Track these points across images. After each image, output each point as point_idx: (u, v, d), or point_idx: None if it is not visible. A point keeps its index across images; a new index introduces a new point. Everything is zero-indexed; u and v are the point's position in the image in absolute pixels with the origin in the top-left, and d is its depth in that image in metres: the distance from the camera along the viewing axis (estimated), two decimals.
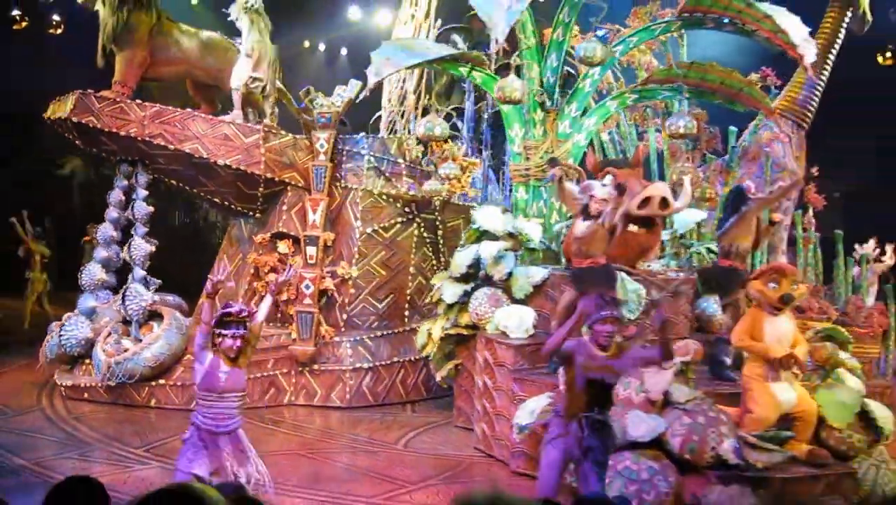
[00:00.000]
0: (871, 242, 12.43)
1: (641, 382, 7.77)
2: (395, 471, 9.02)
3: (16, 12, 18.94)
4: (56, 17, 18.88)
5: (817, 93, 13.02)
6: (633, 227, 8.86)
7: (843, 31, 12.86)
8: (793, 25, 8.85)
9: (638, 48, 11.92)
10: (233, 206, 12.44)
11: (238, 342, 6.44)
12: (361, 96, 10.58)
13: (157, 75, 12.70)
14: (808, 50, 8.55)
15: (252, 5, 12.17)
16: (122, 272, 12.29)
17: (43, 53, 19.18)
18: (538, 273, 9.90)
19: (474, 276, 10.24)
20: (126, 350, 11.07)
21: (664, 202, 8.63)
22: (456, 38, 14.24)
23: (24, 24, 18.99)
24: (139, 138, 11.54)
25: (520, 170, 10.63)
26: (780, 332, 7.77)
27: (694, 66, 10.26)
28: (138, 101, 11.80)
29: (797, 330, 7.96)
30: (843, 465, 7.97)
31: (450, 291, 10.24)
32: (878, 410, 8.14)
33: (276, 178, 11.92)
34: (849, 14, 12.74)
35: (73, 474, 3.43)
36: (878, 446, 8.11)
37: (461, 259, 10.20)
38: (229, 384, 6.41)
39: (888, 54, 17.96)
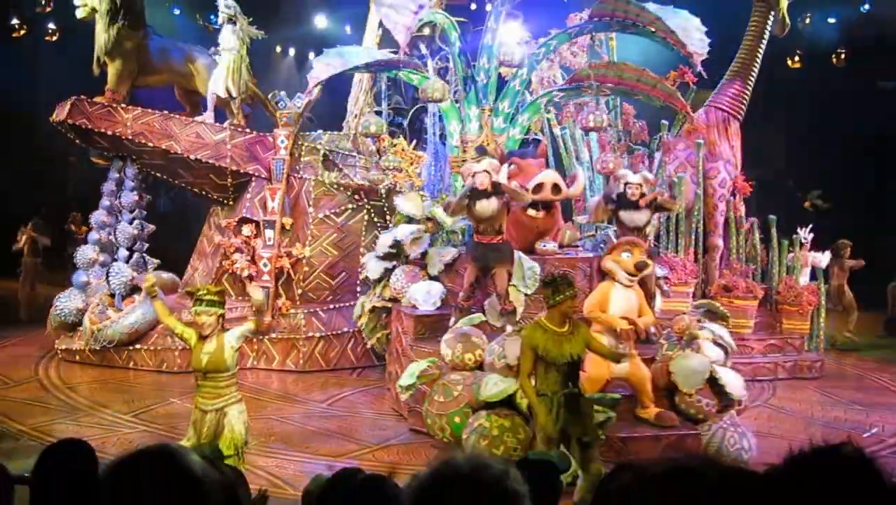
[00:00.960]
0: (804, 231, 13.22)
1: (502, 348, 8.34)
2: (353, 432, 9.62)
3: (14, 21, 19.73)
4: (52, 26, 19.71)
5: (749, 87, 13.65)
6: (531, 211, 9.52)
7: (767, 32, 13.54)
8: (681, 26, 9.30)
9: (572, 52, 12.70)
10: (209, 195, 13.71)
11: (208, 320, 6.56)
12: (305, 99, 12.00)
13: (145, 83, 14.22)
14: (695, 49, 8.99)
15: (231, 17, 13.39)
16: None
17: (40, 57, 20.07)
18: (449, 252, 10.67)
19: (397, 255, 11.07)
20: (108, 319, 12.42)
21: (556, 188, 9.24)
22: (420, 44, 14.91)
23: (22, 32, 19.70)
24: (124, 137, 12.85)
25: (457, 161, 11.07)
26: (628, 304, 8.32)
27: (610, 66, 10.77)
28: (124, 105, 13.15)
29: (643, 302, 8.50)
30: (688, 427, 8.41)
31: (373, 268, 11.13)
32: (727, 377, 8.41)
33: (242, 171, 13.08)
34: (770, 18, 13.42)
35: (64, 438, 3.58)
36: (729, 411, 8.33)
37: (383, 240, 11.04)
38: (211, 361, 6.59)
39: (797, 58, 19.41)
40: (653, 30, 9.80)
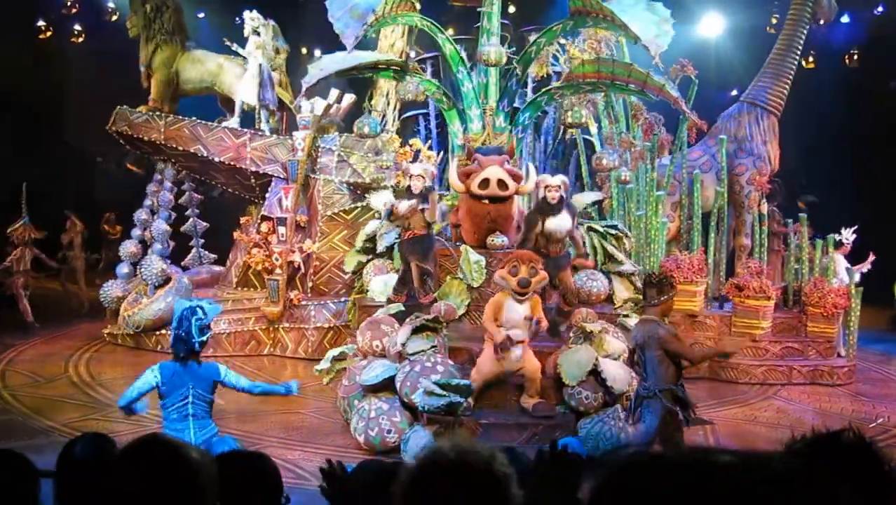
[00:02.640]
0: (847, 231, 12.90)
1: (398, 335, 8.72)
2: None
3: (41, 23, 20.05)
4: (77, 27, 20.10)
5: (787, 81, 13.37)
6: (486, 203, 9.50)
7: (805, 23, 13.36)
8: (636, 20, 9.14)
9: (571, 51, 12.67)
10: (241, 194, 14.82)
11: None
12: (299, 101, 12.53)
13: (184, 92, 15.38)
14: (652, 41, 8.85)
15: (255, 28, 14.23)
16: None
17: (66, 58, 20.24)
18: (392, 236, 10.84)
19: (373, 249, 11.43)
20: (138, 305, 13.54)
21: (501, 183, 9.16)
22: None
23: (48, 33, 19.84)
24: (158, 142, 13.98)
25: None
26: (517, 316, 8.27)
27: (602, 62, 10.68)
28: (160, 112, 14.29)
29: (540, 312, 8.37)
30: (563, 418, 8.46)
31: (350, 262, 11.45)
32: (611, 371, 8.37)
33: (261, 172, 13.82)
34: (810, 6, 13.27)
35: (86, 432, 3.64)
36: (614, 406, 8.37)
37: (360, 235, 11.39)
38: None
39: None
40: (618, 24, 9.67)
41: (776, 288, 12.44)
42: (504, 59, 10.24)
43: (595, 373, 8.30)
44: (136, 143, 14.61)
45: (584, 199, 11.51)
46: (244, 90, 14.21)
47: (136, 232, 14.85)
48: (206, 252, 15.64)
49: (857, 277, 12.59)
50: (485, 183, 9.16)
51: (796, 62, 13.49)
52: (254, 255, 12.95)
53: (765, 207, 13.32)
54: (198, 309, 6.44)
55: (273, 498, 3.04)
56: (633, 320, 9.21)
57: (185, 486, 2.18)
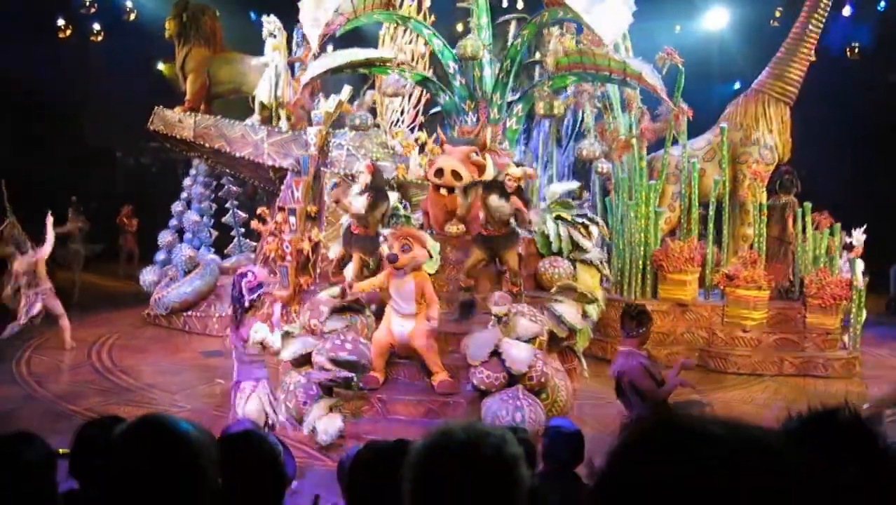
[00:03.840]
0: (857, 232, 12.64)
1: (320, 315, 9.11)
2: None
3: (60, 21, 20.47)
4: (97, 26, 20.54)
5: (798, 69, 13.07)
6: (443, 192, 9.48)
7: (823, 9, 13.07)
8: (596, 5, 9.15)
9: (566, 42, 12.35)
10: (265, 186, 15.57)
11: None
12: (296, 96, 13.16)
13: (217, 92, 16.13)
14: (602, 29, 8.94)
15: (272, 31, 14.75)
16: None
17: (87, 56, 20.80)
18: (345, 223, 10.77)
19: None
20: (168, 289, 14.72)
21: (455, 173, 9.16)
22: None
23: (68, 31, 20.22)
24: (189, 140, 14.70)
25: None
26: (403, 290, 8.39)
27: (584, 52, 10.64)
28: (189, 111, 14.99)
29: (427, 289, 8.45)
30: (465, 396, 8.46)
31: (334, 250, 11.35)
32: (512, 353, 8.32)
33: (278, 166, 14.28)
34: None
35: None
36: (515, 386, 8.25)
37: (341, 223, 11.35)
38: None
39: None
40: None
41: (770, 278, 12.31)
42: (482, 53, 10.42)
43: (497, 354, 8.33)
44: (171, 140, 15.24)
45: (557, 189, 11.46)
46: (260, 90, 14.75)
47: (172, 222, 16.24)
48: (248, 241, 16.48)
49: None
50: (439, 172, 9.24)
51: (811, 50, 13.13)
52: (269, 242, 13.37)
53: (763, 196, 13.08)
54: (248, 273, 7.39)
55: (277, 478, 3.03)
56: (561, 306, 9.24)
57: (184, 466, 2.15)
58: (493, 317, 8.64)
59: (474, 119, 11.00)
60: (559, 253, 10.40)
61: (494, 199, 9.05)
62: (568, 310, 9.24)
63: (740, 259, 12.46)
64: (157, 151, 23.37)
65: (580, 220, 10.62)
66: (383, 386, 8.59)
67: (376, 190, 9.65)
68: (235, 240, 16.49)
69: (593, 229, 10.62)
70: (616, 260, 13.18)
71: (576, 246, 10.43)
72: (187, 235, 15.96)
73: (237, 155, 14.46)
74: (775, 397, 10.34)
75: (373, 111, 14.44)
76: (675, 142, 13.29)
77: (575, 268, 10.44)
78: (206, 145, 14.79)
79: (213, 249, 16.04)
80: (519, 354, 8.29)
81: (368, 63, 11.20)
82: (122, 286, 18.82)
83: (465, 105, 11.02)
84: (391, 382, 8.71)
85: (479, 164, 9.31)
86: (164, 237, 16.11)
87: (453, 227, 9.84)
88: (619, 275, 13.10)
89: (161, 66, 21.88)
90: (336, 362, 8.14)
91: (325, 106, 13.58)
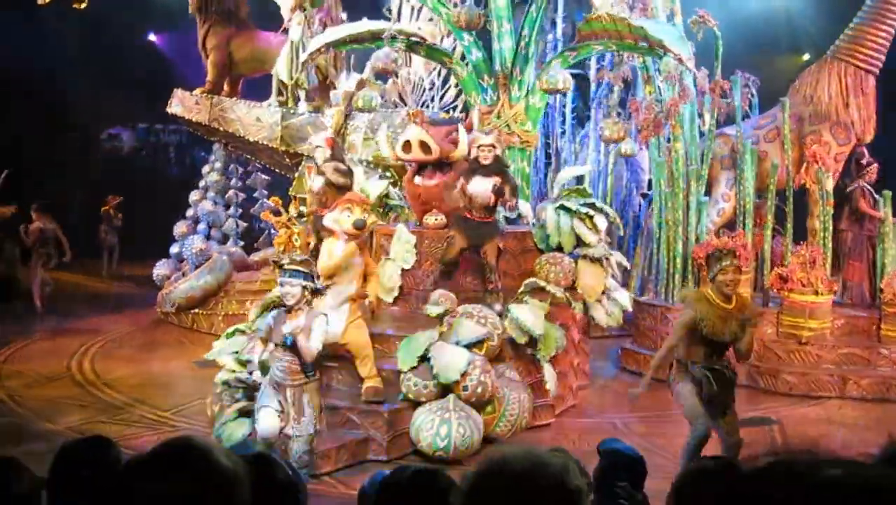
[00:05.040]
0: None
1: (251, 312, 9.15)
2: None
3: None
4: None
5: (885, 30, 11.71)
6: (416, 179, 9.49)
7: None
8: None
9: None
10: (282, 173, 15.43)
11: (292, 291, 6.66)
12: (357, 78, 12.79)
13: (239, 72, 15.87)
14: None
15: (304, 6, 14.27)
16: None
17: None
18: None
19: None
20: (176, 284, 14.40)
21: (424, 146, 9.05)
22: None
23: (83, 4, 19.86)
24: (203, 123, 14.64)
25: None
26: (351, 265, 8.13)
27: (607, 19, 10.20)
28: (207, 93, 14.91)
29: (372, 269, 8.37)
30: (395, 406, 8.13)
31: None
32: (442, 358, 8.05)
33: (292, 151, 13.99)
34: None
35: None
36: (446, 396, 8.04)
37: None
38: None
39: None
40: None
41: (832, 281, 11.15)
42: (480, 22, 10.14)
43: (427, 359, 8.09)
44: (191, 124, 15.27)
45: (564, 174, 11.09)
46: (279, 68, 14.38)
47: (189, 212, 15.66)
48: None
49: None
50: (407, 146, 9.17)
51: None
52: (279, 235, 12.71)
53: (829, 183, 11.60)
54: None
55: None
56: (521, 308, 8.81)
57: (216, 499, 2.00)
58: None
59: (495, 97, 10.73)
60: (560, 248, 9.95)
61: (478, 183, 8.85)
62: (528, 313, 8.79)
63: (798, 257, 11.22)
64: (146, 134, 23.27)
65: (584, 209, 10.07)
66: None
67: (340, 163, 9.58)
68: (266, 232, 16.00)
69: (599, 220, 10.06)
70: (655, 258, 12.40)
71: (580, 240, 9.97)
72: (201, 226, 15.52)
73: (251, 139, 14.24)
74: (857, 417, 9.64)
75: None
76: (744, 118, 12.21)
77: (577, 265, 10.02)
78: (222, 129, 14.59)
79: (241, 242, 15.62)
80: (452, 360, 7.99)
81: (372, 36, 10.97)
82: (106, 287, 18.35)
83: (482, 81, 10.76)
84: (322, 388, 8.10)
85: (456, 141, 9.22)
86: (179, 228, 15.64)
87: (432, 219, 9.68)
88: (657, 274, 12.28)
89: (153, 38, 21.51)
90: (243, 364, 7.92)
91: (345, 85, 13.13)
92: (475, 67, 10.81)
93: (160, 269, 15.50)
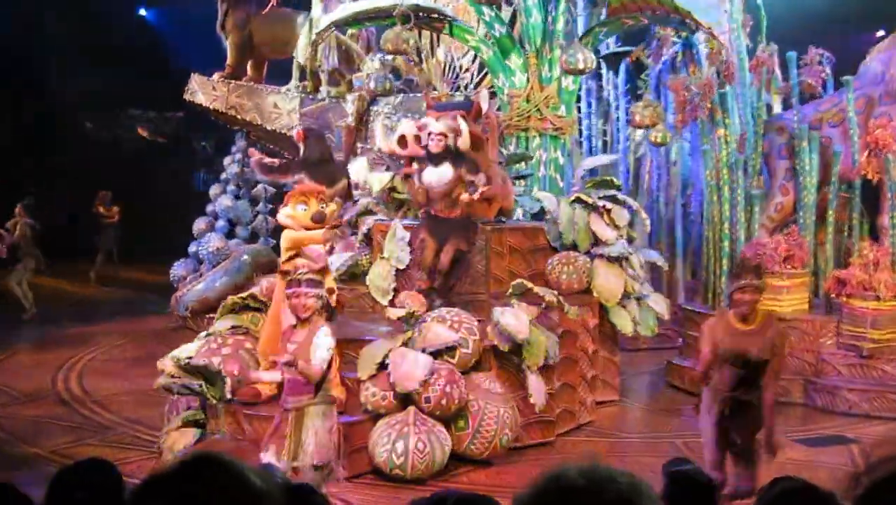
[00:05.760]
0: None
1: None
2: None
3: None
4: None
5: None
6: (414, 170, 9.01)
7: None
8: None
9: None
10: None
11: (307, 302, 6.22)
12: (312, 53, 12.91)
13: (261, 55, 15.55)
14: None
15: None
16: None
17: None
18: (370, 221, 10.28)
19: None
20: (190, 287, 13.94)
21: (420, 140, 8.65)
22: None
23: None
24: (220, 110, 14.37)
25: (505, 121, 10.48)
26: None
27: None
28: (226, 77, 14.69)
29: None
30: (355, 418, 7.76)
31: None
32: (400, 366, 7.69)
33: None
34: None
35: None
36: (405, 408, 7.70)
37: None
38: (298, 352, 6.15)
39: None
40: None
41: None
42: None
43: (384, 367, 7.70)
44: (212, 113, 15.02)
45: (588, 164, 10.92)
46: (299, 50, 14.21)
47: (209, 207, 15.40)
48: None
49: None
50: (402, 140, 8.69)
51: None
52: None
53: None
54: None
55: None
56: (504, 312, 8.21)
57: None
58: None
59: (524, 79, 10.26)
60: (574, 247, 9.51)
61: (431, 173, 8.46)
62: (511, 317, 8.15)
63: (861, 258, 10.33)
64: (141, 122, 23.09)
65: (602, 202, 9.63)
66: (267, 402, 7.61)
67: (317, 161, 9.48)
68: None
69: (619, 214, 9.59)
70: (703, 259, 11.77)
71: (596, 238, 9.61)
72: (220, 223, 15.31)
73: (268, 127, 13.97)
74: None
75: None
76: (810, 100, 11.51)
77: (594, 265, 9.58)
78: (239, 117, 14.27)
79: (273, 241, 14.93)
80: (410, 368, 7.60)
81: (380, 14, 10.68)
82: (94, 292, 17.98)
83: (508, 61, 10.33)
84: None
85: (456, 130, 8.55)
86: (198, 224, 15.28)
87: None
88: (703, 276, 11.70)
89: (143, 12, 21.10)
90: (185, 369, 7.66)
91: (368, 67, 12.72)
92: (500, 46, 10.35)
93: (177, 269, 15.01)
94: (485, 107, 9.10)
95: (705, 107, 10.98)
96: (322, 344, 6.16)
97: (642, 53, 12.66)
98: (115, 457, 7.68)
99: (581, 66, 9.64)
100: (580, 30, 11.27)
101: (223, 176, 15.73)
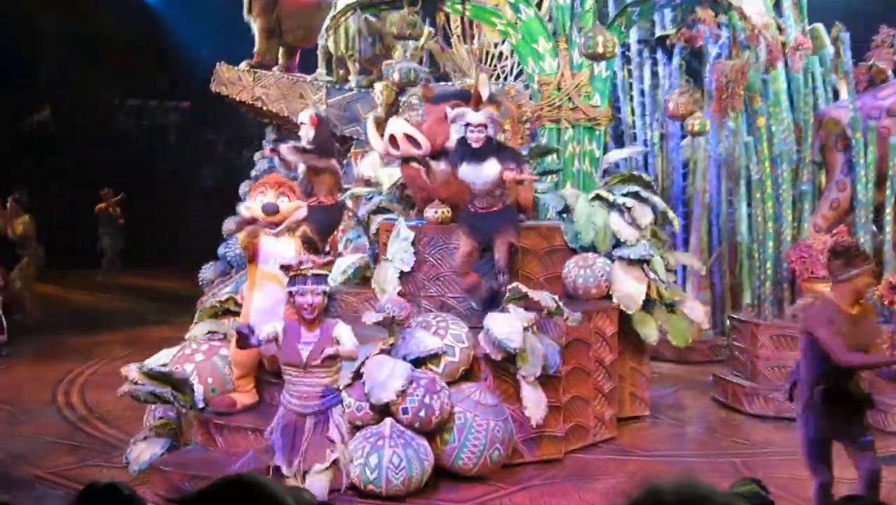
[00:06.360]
0: None
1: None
2: None
3: None
4: None
5: None
6: (414, 164, 8.85)
7: None
8: None
9: None
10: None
11: (315, 300, 6.05)
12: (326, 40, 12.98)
13: (288, 41, 15.36)
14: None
15: None
16: None
17: None
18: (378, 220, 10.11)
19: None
20: (212, 291, 13.36)
21: (411, 140, 8.43)
22: None
23: None
24: (246, 101, 14.35)
25: (535, 111, 10.14)
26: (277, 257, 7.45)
27: None
28: (254, 66, 14.65)
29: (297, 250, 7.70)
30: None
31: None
32: (374, 373, 7.50)
33: (338, 133, 13.24)
34: None
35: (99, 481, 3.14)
36: (382, 420, 7.47)
37: None
38: (314, 355, 5.98)
39: None
40: None
41: None
42: None
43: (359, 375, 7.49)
44: (239, 105, 15.02)
45: (613, 156, 10.82)
46: (323, 37, 13.82)
47: (239, 206, 15.14)
48: None
49: None
50: (392, 141, 8.50)
51: None
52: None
53: None
54: None
55: None
56: (496, 318, 7.90)
57: None
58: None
59: (555, 64, 9.85)
60: (593, 248, 9.15)
61: (469, 170, 8.10)
62: (503, 323, 7.82)
63: None
64: (140, 112, 22.96)
65: (623, 198, 9.28)
66: (243, 411, 7.71)
67: (322, 148, 9.19)
68: None
69: (640, 212, 9.18)
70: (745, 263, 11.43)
71: (616, 238, 9.26)
72: None
73: (293, 119, 13.39)
74: None
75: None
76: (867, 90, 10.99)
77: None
78: (266, 109, 14.17)
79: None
80: (386, 377, 7.38)
81: (381, 1, 10.78)
82: (95, 300, 17.85)
83: (536, 45, 9.91)
84: (262, 407, 7.76)
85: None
86: (228, 225, 14.70)
87: (432, 211, 8.95)
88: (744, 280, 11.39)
89: None
90: (149, 375, 7.51)
91: (399, 54, 12.49)
92: (527, 29, 9.94)
93: (205, 272, 14.75)
94: (485, 94, 8.74)
95: (738, 94, 10.58)
96: (344, 330, 6.08)
97: (679, 37, 12.41)
98: (123, 478, 7.33)
99: (601, 49, 9.14)
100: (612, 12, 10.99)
101: (252, 172, 15.32)
